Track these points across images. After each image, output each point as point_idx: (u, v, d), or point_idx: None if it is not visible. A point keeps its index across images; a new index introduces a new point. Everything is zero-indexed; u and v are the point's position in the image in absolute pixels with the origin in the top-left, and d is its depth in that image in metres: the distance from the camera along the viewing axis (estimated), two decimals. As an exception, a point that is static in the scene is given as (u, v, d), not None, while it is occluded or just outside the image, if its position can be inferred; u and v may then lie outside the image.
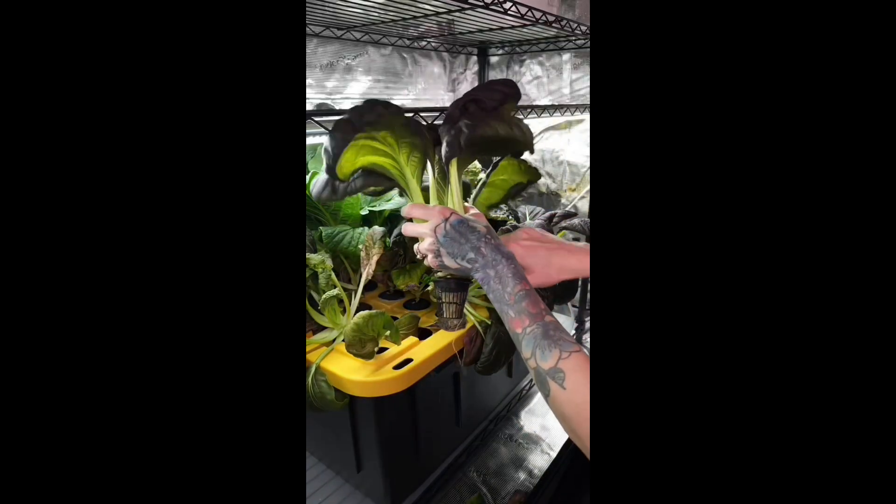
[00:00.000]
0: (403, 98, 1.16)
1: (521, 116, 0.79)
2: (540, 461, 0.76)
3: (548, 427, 0.84)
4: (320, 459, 0.74)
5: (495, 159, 0.63)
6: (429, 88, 1.22)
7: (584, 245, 0.55)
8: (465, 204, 0.55)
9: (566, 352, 0.39)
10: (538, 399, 0.91)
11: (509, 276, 0.45)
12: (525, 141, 0.55)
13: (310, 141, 0.75)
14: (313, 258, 0.60)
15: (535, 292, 0.44)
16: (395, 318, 0.67)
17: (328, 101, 0.99)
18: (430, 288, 0.72)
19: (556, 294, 0.70)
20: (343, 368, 0.54)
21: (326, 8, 0.73)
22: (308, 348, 0.59)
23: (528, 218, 0.91)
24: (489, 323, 0.62)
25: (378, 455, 0.61)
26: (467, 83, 1.31)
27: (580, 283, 0.78)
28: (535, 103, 1.24)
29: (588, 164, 1.19)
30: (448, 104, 1.33)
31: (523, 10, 0.72)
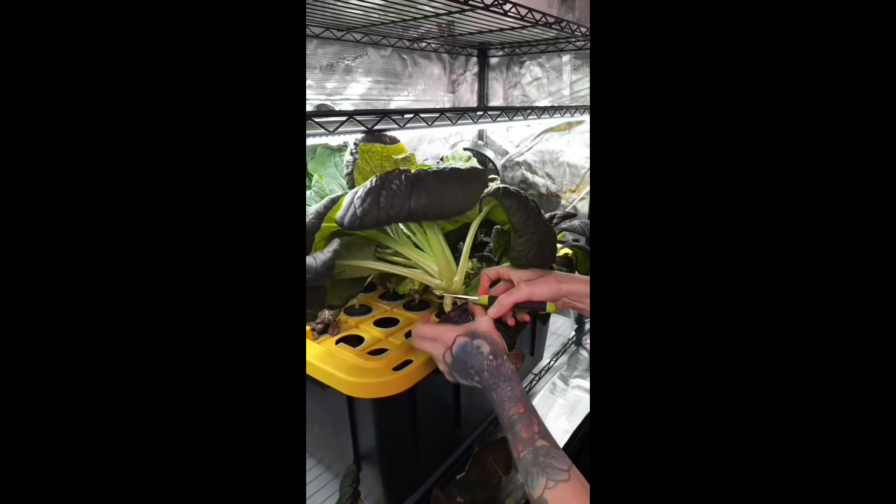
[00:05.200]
0: (403, 99, 1.16)
1: (521, 118, 0.80)
2: (540, 462, 0.76)
3: (548, 429, 0.83)
4: (320, 461, 0.74)
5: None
6: (429, 90, 1.22)
7: (583, 277, 0.57)
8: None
9: (552, 480, 0.39)
10: (538, 401, 0.91)
11: (505, 399, 0.47)
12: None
13: (310, 142, 0.75)
14: None
15: (530, 414, 0.46)
16: (395, 321, 0.67)
17: (328, 102, 0.99)
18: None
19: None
20: (343, 369, 0.54)
21: (326, 9, 0.73)
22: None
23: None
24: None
25: (378, 456, 0.61)
26: (467, 84, 1.31)
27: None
28: (534, 105, 1.24)
29: (588, 165, 1.19)
30: (448, 105, 1.33)
31: (523, 11, 0.72)
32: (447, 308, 0.59)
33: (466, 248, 0.60)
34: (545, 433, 0.44)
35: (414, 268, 0.58)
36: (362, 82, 1.05)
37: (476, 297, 0.57)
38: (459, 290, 0.59)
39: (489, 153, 1.21)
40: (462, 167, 0.50)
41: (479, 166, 0.87)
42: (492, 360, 0.49)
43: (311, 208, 0.47)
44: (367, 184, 0.47)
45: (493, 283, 0.59)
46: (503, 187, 0.55)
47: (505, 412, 0.47)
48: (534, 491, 0.40)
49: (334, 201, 0.48)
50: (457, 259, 0.60)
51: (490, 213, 0.59)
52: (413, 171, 0.48)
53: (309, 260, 0.45)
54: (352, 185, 0.60)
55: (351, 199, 0.46)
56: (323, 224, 0.48)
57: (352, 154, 0.63)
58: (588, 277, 0.56)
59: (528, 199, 0.57)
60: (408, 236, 0.58)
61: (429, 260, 0.58)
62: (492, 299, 0.55)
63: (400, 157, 0.60)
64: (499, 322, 0.62)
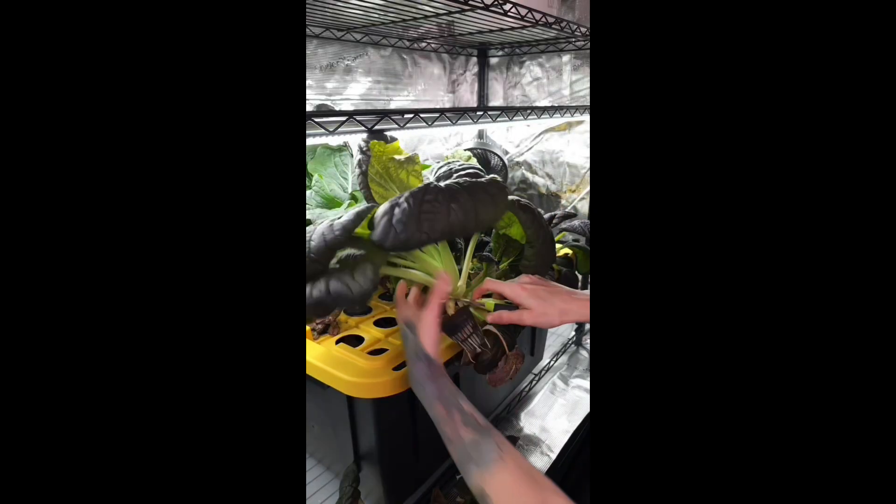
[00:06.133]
0: (403, 99, 1.16)
1: (521, 118, 0.80)
2: (539, 463, 0.76)
3: (547, 429, 0.83)
4: (320, 461, 0.74)
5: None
6: (429, 90, 1.22)
7: (586, 294, 0.57)
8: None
9: (487, 471, 0.40)
10: (538, 401, 0.91)
11: (427, 399, 0.47)
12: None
13: (310, 142, 0.76)
14: None
15: (449, 410, 0.45)
16: (395, 321, 0.67)
17: (328, 103, 0.99)
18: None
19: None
20: (343, 369, 0.54)
21: (326, 9, 0.73)
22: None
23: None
24: (489, 322, 0.62)
25: (378, 456, 0.61)
26: (467, 84, 1.31)
27: (580, 284, 0.78)
28: (534, 105, 1.24)
29: (588, 165, 1.19)
30: (448, 105, 1.33)
31: (523, 11, 0.72)
32: (450, 311, 0.60)
33: (469, 253, 0.61)
34: (469, 420, 0.44)
35: (420, 272, 0.59)
36: (362, 82, 1.05)
37: (482, 302, 0.58)
38: (462, 293, 0.60)
39: (498, 151, 1.20)
40: (484, 181, 0.51)
41: (479, 167, 0.87)
42: (415, 359, 0.50)
43: (338, 222, 0.46)
44: (404, 205, 0.47)
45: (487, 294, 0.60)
46: (518, 200, 0.58)
47: (431, 412, 0.47)
48: (470, 483, 0.41)
49: (361, 217, 0.47)
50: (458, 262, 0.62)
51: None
52: (438, 186, 0.49)
53: (340, 287, 0.44)
54: (365, 185, 0.60)
55: (388, 220, 0.46)
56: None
57: (363, 153, 0.63)
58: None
59: (538, 211, 0.59)
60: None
61: (435, 263, 0.59)
62: (498, 306, 0.56)
63: (403, 157, 0.61)
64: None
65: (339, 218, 0.47)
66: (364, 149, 0.58)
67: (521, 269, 0.62)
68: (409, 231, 0.45)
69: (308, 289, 0.43)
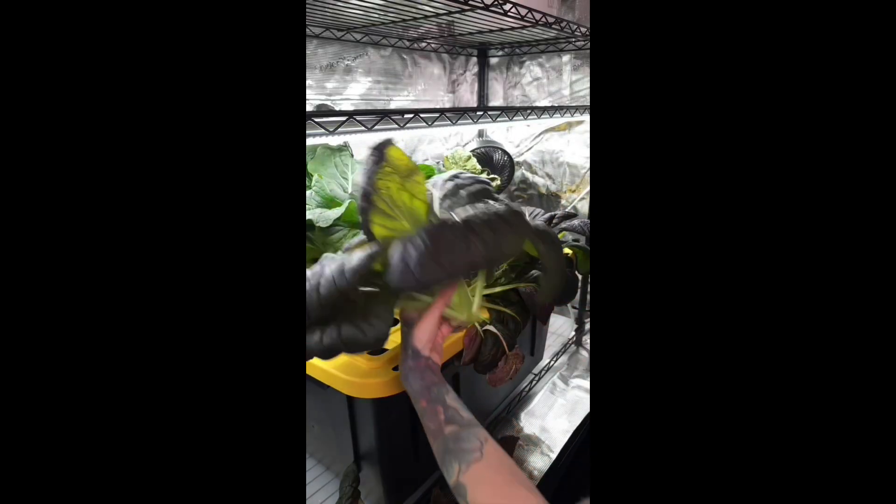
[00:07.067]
0: (403, 99, 1.16)
1: (521, 118, 0.80)
2: (540, 463, 0.76)
3: (548, 429, 0.84)
4: (320, 461, 0.74)
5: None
6: (429, 90, 1.22)
7: None
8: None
9: (465, 463, 0.39)
10: (538, 401, 0.91)
11: (413, 393, 0.47)
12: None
13: (309, 142, 0.76)
14: None
15: (433, 405, 0.45)
16: (395, 321, 0.67)
17: (328, 103, 0.99)
18: None
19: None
20: (343, 369, 0.54)
21: (326, 9, 0.73)
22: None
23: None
24: (489, 322, 0.62)
25: (378, 456, 0.61)
26: (467, 84, 1.31)
27: (580, 284, 0.78)
28: (534, 105, 1.24)
29: (588, 165, 1.19)
30: (448, 105, 1.33)
31: (523, 11, 0.72)
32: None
33: (481, 278, 0.59)
34: (453, 417, 0.44)
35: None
36: (362, 82, 1.05)
37: None
38: (478, 319, 0.58)
39: (507, 148, 1.19)
40: (502, 210, 0.47)
41: (483, 179, 0.87)
42: (405, 353, 0.50)
43: (349, 267, 0.43)
44: (419, 243, 0.43)
45: None
46: (535, 228, 0.54)
47: (416, 406, 0.47)
48: (450, 479, 0.40)
49: (373, 259, 0.44)
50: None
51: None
52: (454, 220, 0.45)
53: (354, 332, 0.42)
54: (366, 221, 0.55)
55: (404, 262, 0.42)
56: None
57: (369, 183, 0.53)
58: None
59: (555, 237, 0.56)
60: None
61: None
62: None
63: (404, 173, 0.55)
64: (499, 323, 0.62)
65: (350, 260, 0.43)
66: (370, 181, 0.49)
67: (539, 295, 0.60)
68: (428, 271, 0.41)
69: (318, 335, 0.41)
